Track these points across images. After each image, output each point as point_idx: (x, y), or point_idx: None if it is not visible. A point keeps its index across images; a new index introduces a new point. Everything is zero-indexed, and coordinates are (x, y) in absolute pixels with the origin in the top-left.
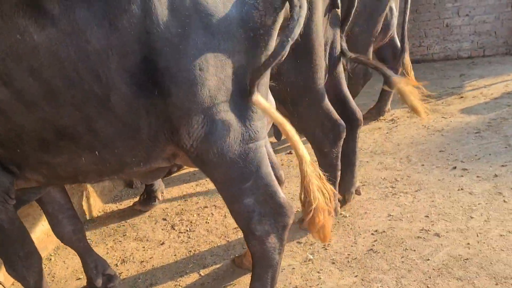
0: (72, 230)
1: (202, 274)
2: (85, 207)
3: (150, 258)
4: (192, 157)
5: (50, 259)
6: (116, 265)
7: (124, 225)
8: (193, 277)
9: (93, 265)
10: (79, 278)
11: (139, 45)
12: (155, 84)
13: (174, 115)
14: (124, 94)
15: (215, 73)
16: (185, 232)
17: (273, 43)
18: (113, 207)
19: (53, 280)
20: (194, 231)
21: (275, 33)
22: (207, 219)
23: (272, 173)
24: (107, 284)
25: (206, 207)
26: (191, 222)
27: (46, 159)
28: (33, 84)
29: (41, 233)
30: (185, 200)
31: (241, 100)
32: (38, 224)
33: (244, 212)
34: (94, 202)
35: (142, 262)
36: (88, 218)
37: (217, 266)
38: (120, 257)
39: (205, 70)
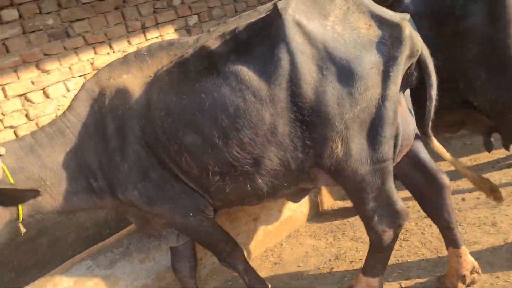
0: (189, 266)
1: (403, 286)
2: (319, 200)
3: (360, 259)
4: (332, 175)
5: (282, 244)
6: (330, 260)
7: (345, 224)
8: (393, 287)
9: None
10: (299, 266)
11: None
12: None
13: (317, 143)
14: (278, 134)
15: (350, 108)
16: (398, 240)
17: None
18: (341, 204)
19: (280, 262)
20: (407, 240)
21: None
22: (423, 230)
23: (393, 187)
24: None
25: (426, 217)
26: (407, 230)
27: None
28: (215, 130)
29: (277, 221)
30: (407, 207)
31: (372, 128)
32: (274, 214)
33: (369, 213)
34: (325, 197)
35: (352, 262)
36: (320, 211)
37: (421, 280)
38: (334, 254)
39: (342, 106)
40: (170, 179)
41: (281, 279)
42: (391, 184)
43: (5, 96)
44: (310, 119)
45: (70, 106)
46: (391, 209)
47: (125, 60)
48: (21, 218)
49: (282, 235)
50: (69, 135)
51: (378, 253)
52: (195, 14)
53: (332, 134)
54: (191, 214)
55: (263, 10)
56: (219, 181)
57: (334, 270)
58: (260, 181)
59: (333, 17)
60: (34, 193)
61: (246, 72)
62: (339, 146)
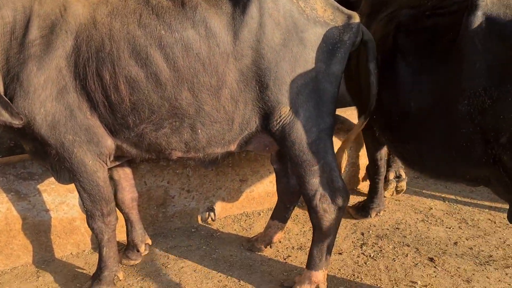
0: (131, 197)
1: None
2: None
3: None
4: (277, 139)
5: (259, 214)
6: (293, 248)
7: None
8: None
9: (140, 232)
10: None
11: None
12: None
13: (268, 106)
14: (232, 89)
15: (302, 76)
16: (366, 256)
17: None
18: None
19: (247, 231)
20: (375, 259)
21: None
22: (396, 257)
23: (335, 162)
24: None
25: (408, 245)
26: (381, 250)
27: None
28: (165, 69)
29: (263, 191)
30: (401, 223)
31: (319, 98)
32: (263, 183)
33: (311, 191)
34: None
35: None
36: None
37: None
38: (300, 244)
39: (296, 73)
40: (86, 109)
41: (233, 246)
42: (333, 158)
43: None
44: (265, 81)
45: None
46: (332, 186)
47: None
48: None
49: (264, 206)
50: None
51: (320, 241)
52: None
53: (283, 99)
54: (90, 157)
55: None
56: (151, 122)
57: (289, 259)
58: (199, 131)
59: None
60: (17, 121)
61: (216, 23)
62: (288, 111)
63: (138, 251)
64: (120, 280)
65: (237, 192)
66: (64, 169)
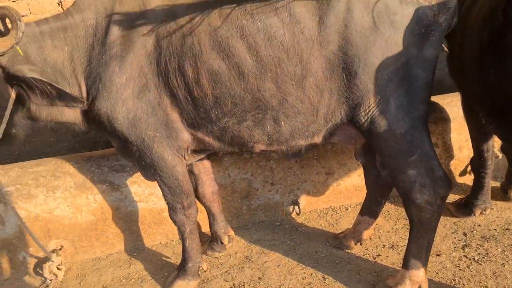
0: (212, 191)
1: None
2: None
3: None
4: (365, 131)
5: (347, 209)
6: (383, 246)
7: None
8: None
9: (222, 224)
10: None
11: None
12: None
13: (356, 95)
14: (317, 78)
15: (393, 62)
16: (470, 259)
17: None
18: None
19: (334, 226)
20: (480, 263)
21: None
22: (508, 261)
23: (434, 150)
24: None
25: None
26: (486, 251)
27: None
28: (248, 60)
29: (351, 184)
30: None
31: (411, 84)
32: (351, 176)
33: (408, 184)
34: None
35: None
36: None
37: None
38: (392, 242)
39: (387, 59)
40: (166, 105)
41: (318, 242)
42: (430, 147)
43: None
44: (353, 68)
45: (75, 2)
46: (433, 176)
47: None
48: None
49: (352, 200)
50: (70, 34)
51: (420, 237)
52: None
53: (373, 87)
54: (170, 152)
55: None
56: (234, 115)
57: (379, 258)
58: (282, 123)
59: None
60: (80, 104)
61: (300, 8)
62: (378, 100)
63: (222, 243)
64: (205, 271)
65: (322, 186)
66: (147, 166)
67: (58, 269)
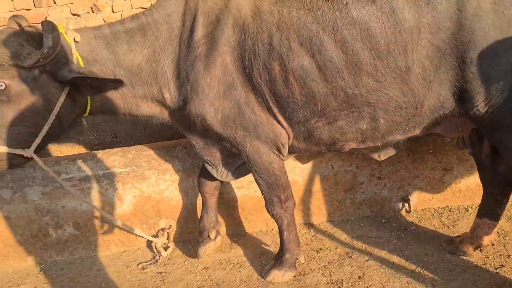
0: (216, 185)
1: None
2: None
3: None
4: (484, 125)
5: (467, 211)
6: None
7: None
8: None
9: (214, 219)
10: None
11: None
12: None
13: (473, 84)
14: (425, 68)
15: None
16: None
17: None
18: None
19: (451, 228)
20: None
21: None
22: None
23: None
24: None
25: None
26: None
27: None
28: (341, 55)
29: (474, 184)
30: None
31: None
32: (474, 174)
33: None
34: None
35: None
36: None
37: None
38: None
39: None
40: (253, 104)
41: (429, 244)
42: None
43: None
44: (469, 55)
45: (158, 2)
46: None
47: None
48: (87, 113)
49: (474, 200)
50: (151, 36)
51: None
52: None
53: (493, 73)
54: (264, 150)
55: None
56: (325, 115)
57: (502, 270)
58: (381, 120)
59: None
60: (118, 84)
61: None
62: (500, 87)
63: (208, 237)
64: (302, 263)
65: (438, 183)
66: (227, 166)
67: (167, 246)
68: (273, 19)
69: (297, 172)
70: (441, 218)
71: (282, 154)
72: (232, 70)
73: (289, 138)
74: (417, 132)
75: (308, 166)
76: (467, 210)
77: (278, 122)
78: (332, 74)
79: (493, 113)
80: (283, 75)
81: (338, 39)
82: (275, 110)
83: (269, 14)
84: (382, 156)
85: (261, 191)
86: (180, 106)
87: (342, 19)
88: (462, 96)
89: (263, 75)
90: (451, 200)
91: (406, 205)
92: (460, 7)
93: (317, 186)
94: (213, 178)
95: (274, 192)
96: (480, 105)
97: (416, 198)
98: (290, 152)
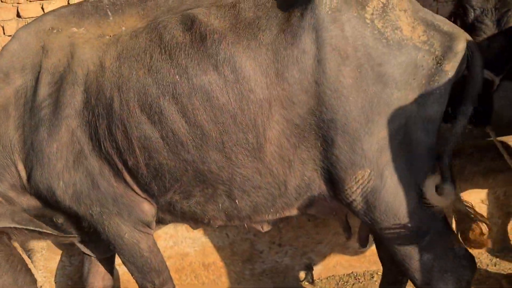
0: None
1: None
2: None
3: None
4: (356, 212)
5: (373, 277)
6: None
7: None
8: None
9: None
10: None
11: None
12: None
13: (336, 168)
14: (281, 146)
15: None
16: None
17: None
18: None
19: None
20: None
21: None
22: None
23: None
24: None
25: None
26: None
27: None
28: (184, 126)
29: None
30: None
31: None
32: None
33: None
34: None
35: None
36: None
37: None
38: None
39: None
40: (108, 175)
41: None
42: (444, 220)
43: None
44: (330, 136)
45: None
46: (454, 255)
47: (79, 10)
48: None
49: (379, 265)
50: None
51: None
52: None
53: (359, 159)
54: (127, 229)
55: None
56: (177, 191)
57: None
58: (239, 199)
59: (371, 8)
60: None
61: (249, 61)
62: (367, 174)
63: None
64: None
65: (342, 248)
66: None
67: None
68: (114, 78)
69: (187, 243)
70: (346, 287)
71: (149, 230)
72: (80, 136)
73: (155, 209)
74: (292, 212)
75: (200, 235)
76: (373, 277)
77: (138, 194)
78: (176, 147)
79: (366, 203)
80: (127, 144)
81: (179, 108)
82: (131, 182)
83: (110, 71)
84: (264, 227)
85: (133, 276)
86: (29, 185)
87: (182, 85)
88: (328, 179)
89: (109, 142)
90: (356, 266)
91: (309, 274)
92: (317, 79)
93: (211, 257)
94: (99, 277)
95: (146, 277)
96: (348, 193)
97: (320, 265)
98: (161, 223)
